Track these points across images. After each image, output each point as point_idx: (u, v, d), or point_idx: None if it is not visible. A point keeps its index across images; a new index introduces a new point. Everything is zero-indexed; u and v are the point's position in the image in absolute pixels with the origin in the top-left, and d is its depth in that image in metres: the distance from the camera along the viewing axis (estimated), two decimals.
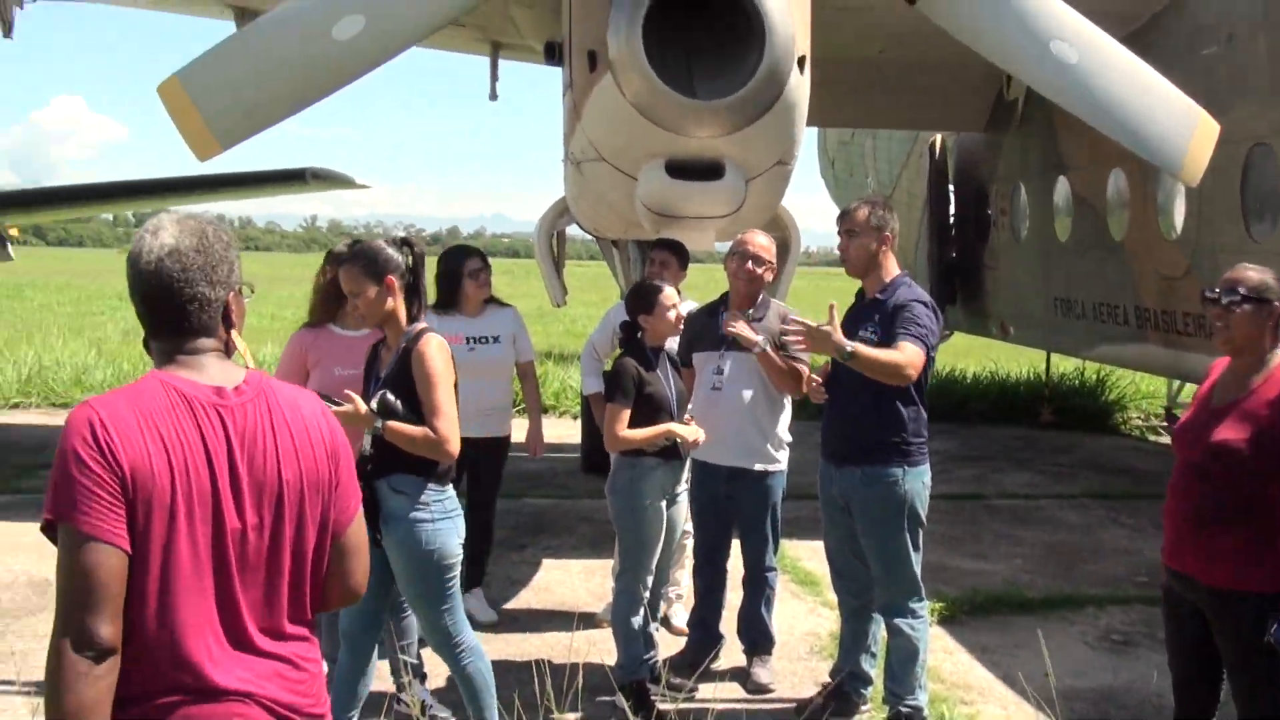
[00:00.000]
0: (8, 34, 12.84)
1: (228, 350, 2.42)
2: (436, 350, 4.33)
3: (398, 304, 4.42)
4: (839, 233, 5.25)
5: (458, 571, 4.54)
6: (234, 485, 2.28)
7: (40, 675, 5.51)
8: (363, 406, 4.23)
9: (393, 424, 4.23)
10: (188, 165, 11.83)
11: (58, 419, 13.73)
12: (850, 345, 4.83)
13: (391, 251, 4.45)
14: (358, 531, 2.53)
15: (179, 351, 2.35)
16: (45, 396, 14.88)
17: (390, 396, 4.27)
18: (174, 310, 2.34)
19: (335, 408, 3.93)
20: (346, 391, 4.32)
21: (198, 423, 2.26)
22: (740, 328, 5.49)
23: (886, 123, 14.02)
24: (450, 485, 4.49)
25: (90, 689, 2.10)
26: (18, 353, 16.86)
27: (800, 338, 5.04)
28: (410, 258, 4.49)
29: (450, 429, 4.28)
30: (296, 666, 2.38)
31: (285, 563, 2.36)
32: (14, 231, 15.47)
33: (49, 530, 2.17)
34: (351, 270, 4.40)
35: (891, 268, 5.22)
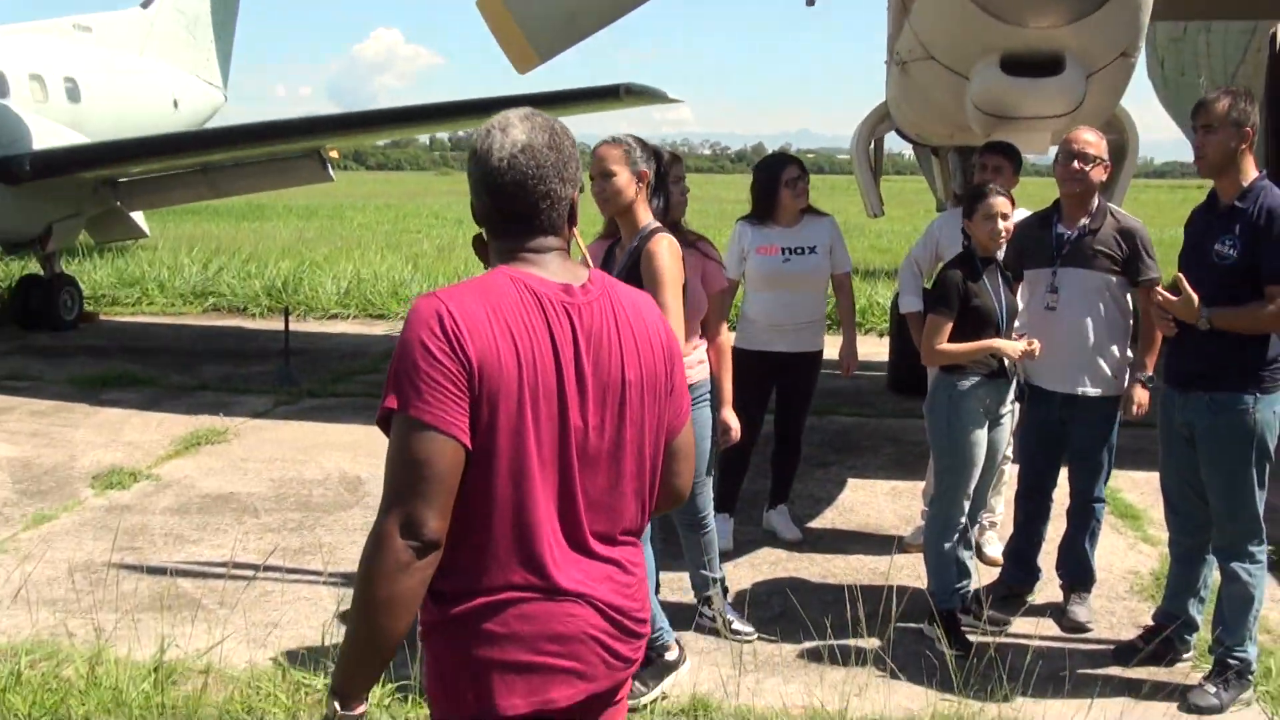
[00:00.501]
0: None
1: (568, 249, 2.36)
2: (666, 249, 4.27)
3: (640, 199, 4.40)
4: (1194, 128, 4.68)
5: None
6: (580, 384, 2.20)
7: (347, 568, 5.86)
8: None
9: None
10: (499, 91, 12.13)
11: (374, 328, 14.52)
12: (1206, 314, 4.44)
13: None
14: (687, 435, 2.47)
15: (524, 249, 2.28)
16: (362, 308, 15.78)
17: None
18: (527, 207, 2.27)
19: None
20: None
21: (546, 319, 2.18)
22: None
23: (1235, 11, 12.69)
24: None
25: (407, 580, 2.07)
26: (337, 268, 17.88)
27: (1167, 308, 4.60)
28: (659, 165, 4.53)
29: (678, 328, 4.21)
30: (625, 570, 2.31)
31: (626, 464, 2.29)
32: (334, 154, 16.27)
33: (384, 423, 2.13)
34: (613, 152, 4.37)
35: (1250, 170, 4.63)
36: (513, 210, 2.27)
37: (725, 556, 5.48)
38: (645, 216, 4.41)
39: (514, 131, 2.26)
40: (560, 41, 6.57)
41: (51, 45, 19.36)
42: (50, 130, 14.65)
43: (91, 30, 20.92)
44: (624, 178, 4.34)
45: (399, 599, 2.07)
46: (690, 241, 4.91)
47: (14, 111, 14.31)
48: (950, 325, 5.00)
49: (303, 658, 4.70)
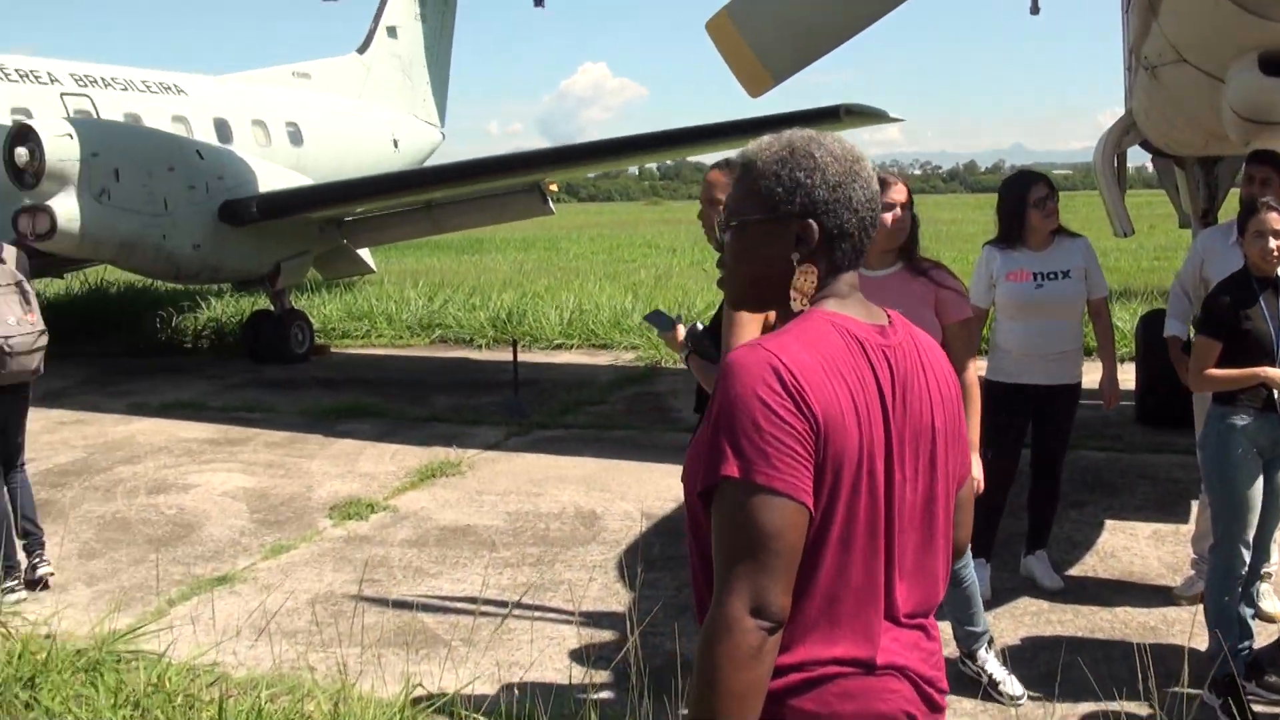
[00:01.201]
0: (539, 2, 13.59)
1: None
2: None
3: None
4: None
5: None
6: (900, 435, 1.99)
7: (589, 607, 5.75)
8: (682, 333, 4.14)
9: (694, 357, 4.09)
10: (699, 121, 12.01)
11: (598, 358, 14.53)
12: None
13: None
14: (969, 482, 2.27)
15: (836, 286, 2.06)
16: (585, 338, 15.84)
17: (699, 327, 4.17)
18: (862, 234, 2.07)
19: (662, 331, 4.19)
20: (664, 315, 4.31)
21: (871, 366, 1.97)
22: None
23: None
24: None
25: (760, 666, 1.84)
26: (558, 298, 18.07)
27: None
28: None
29: None
30: (929, 636, 2.09)
31: (938, 521, 2.07)
32: (553, 187, 16.47)
33: (709, 493, 1.92)
34: (723, 178, 4.17)
35: None
36: (851, 238, 2.05)
37: (985, 605, 5.12)
38: None
39: (836, 147, 2.06)
40: (795, 62, 6.35)
41: (273, 92, 20.36)
42: (275, 173, 15.31)
43: (310, 76, 21.90)
44: None
45: (754, 688, 1.84)
46: (923, 269, 4.61)
47: (239, 156, 15.01)
48: (1218, 349, 4.62)
49: (552, 702, 4.58)
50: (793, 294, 2.05)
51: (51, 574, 6.40)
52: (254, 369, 14.31)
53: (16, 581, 6.26)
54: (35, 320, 6.37)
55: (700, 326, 4.20)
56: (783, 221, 2.04)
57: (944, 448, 2.06)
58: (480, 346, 15.84)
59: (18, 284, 6.39)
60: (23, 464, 6.55)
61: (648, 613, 5.21)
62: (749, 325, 3.81)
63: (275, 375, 13.75)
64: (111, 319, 16.91)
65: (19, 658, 5.01)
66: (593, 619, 5.70)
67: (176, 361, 15.21)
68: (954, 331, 4.57)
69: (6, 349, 6.13)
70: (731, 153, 2.25)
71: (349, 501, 8.01)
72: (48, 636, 5.35)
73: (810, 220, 2.02)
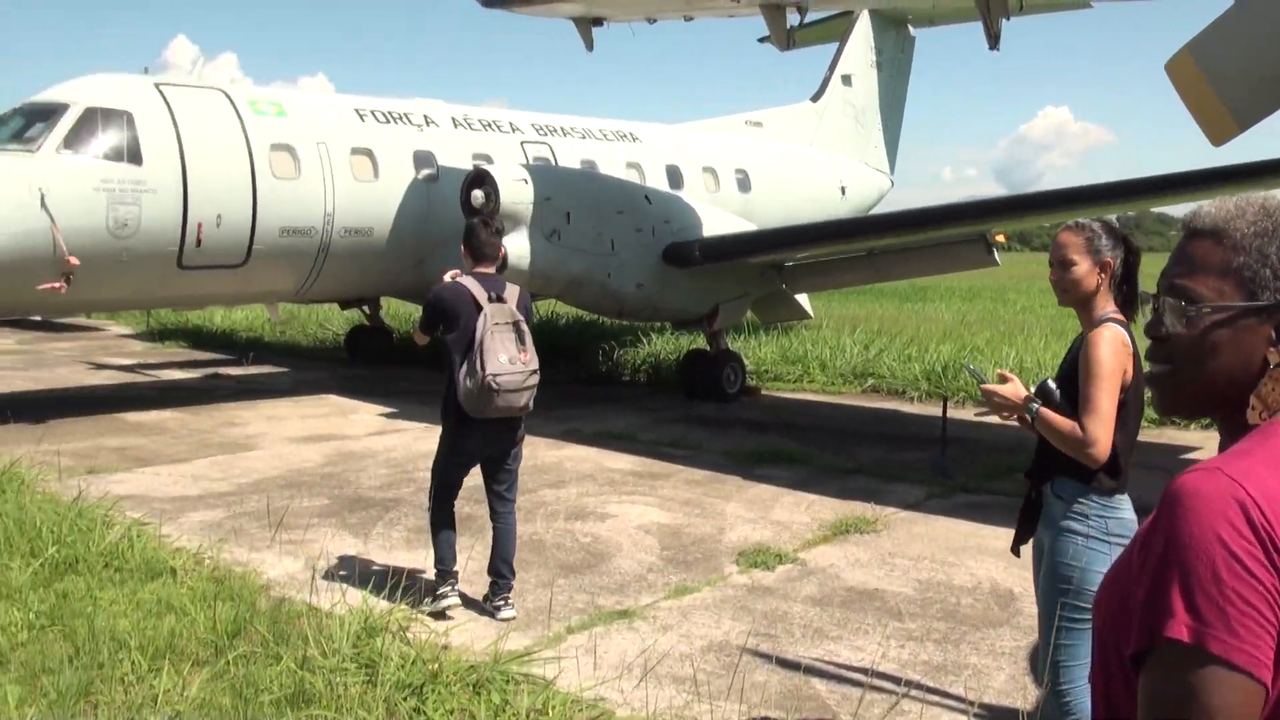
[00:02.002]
0: (994, 46, 13.00)
1: None
2: (1108, 341, 3.95)
3: (1103, 291, 4.10)
4: None
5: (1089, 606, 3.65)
6: None
7: (991, 698, 5.17)
8: (1021, 388, 4.05)
9: (1044, 410, 3.97)
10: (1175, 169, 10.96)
11: None
12: None
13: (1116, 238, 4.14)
14: None
15: None
16: None
17: (1051, 383, 4.07)
18: None
19: (985, 384, 4.08)
20: (1003, 370, 4.19)
21: None
22: None
23: None
24: (1124, 501, 4.05)
25: None
26: (999, 353, 17.21)
27: None
28: (1128, 254, 4.14)
29: (1099, 429, 3.86)
30: None
31: None
32: (1000, 238, 15.71)
33: (1141, 657, 1.53)
34: (1074, 239, 4.11)
35: None
36: None
37: None
38: (1103, 308, 4.10)
39: None
40: (1262, 107, 5.62)
41: (724, 140, 20.87)
42: (721, 218, 15.58)
43: (762, 125, 22.25)
44: (1084, 267, 4.09)
45: None
46: None
47: (686, 201, 15.41)
48: None
49: None
50: (1253, 402, 1.62)
51: (514, 618, 6.45)
52: (686, 405, 14.57)
53: (451, 586, 6.51)
54: (529, 360, 6.52)
55: (1051, 383, 4.04)
56: (1266, 312, 1.62)
57: None
58: (912, 399, 15.31)
59: (515, 323, 6.56)
60: (512, 499, 6.74)
61: None
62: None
63: (705, 413, 13.92)
64: (558, 349, 17.83)
65: (412, 664, 5.18)
66: (992, 715, 5.17)
67: (614, 392, 15.79)
68: None
69: (494, 386, 6.30)
70: (1193, 206, 1.78)
71: (758, 549, 7.84)
72: (444, 647, 5.51)
73: None
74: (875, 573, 7.43)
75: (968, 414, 13.71)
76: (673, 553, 7.83)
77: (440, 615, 6.42)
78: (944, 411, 11.31)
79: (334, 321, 22.36)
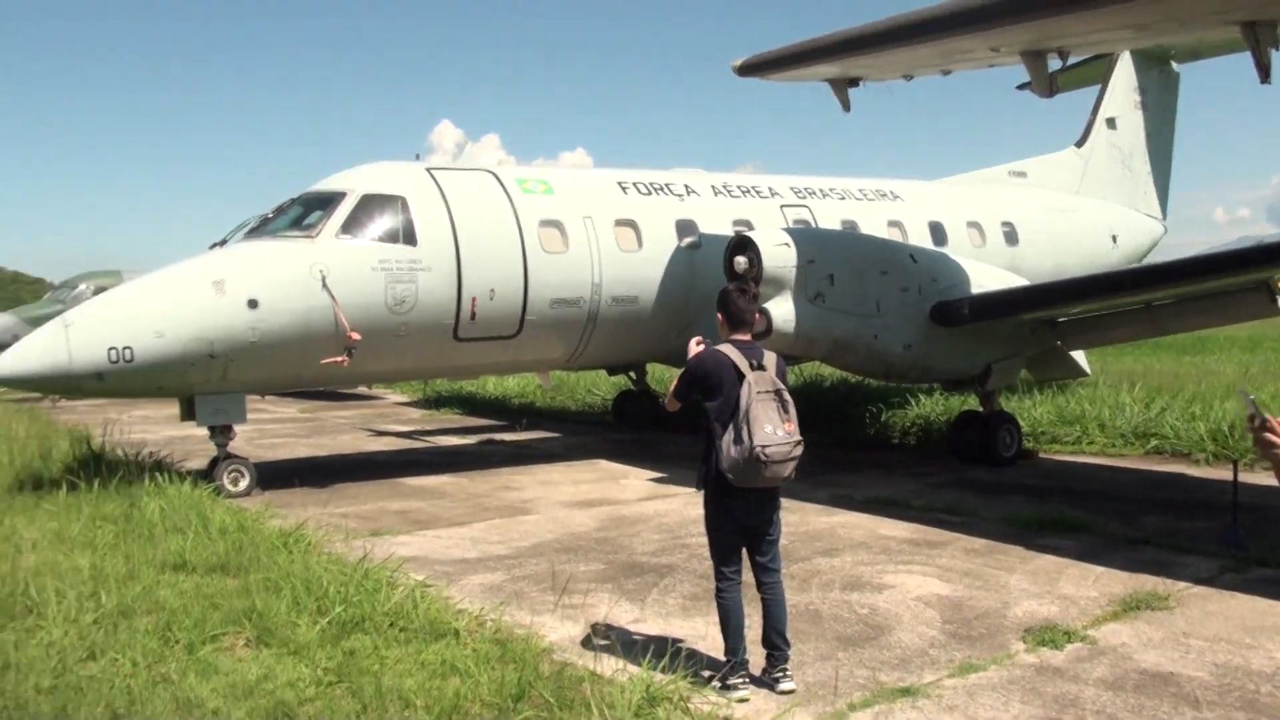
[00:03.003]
0: (1265, 79, 12.23)
1: None
2: None
3: None
4: None
5: None
6: None
7: None
8: None
9: None
10: None
11: None
12: None
13: None
14: None
15: None
16: None
17: None
18: None
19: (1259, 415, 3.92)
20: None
21: None
22: None
23: None
24: None
25: None
26: None
27: None
28: None
29: None
30: None
31: None
32: None
33: None
34: None
35: None
36: None
37: None
38: None
39: None
40: None
41: (987, 193, 20.33)
42: (988, 274, 15.11)
43: (1026, 175, 21.58)
44: None
45: None
46: None
47: (952, 258, 14.99)
48: None
49: None
50: None
51: (793, 690, 6.37)
52: (958, 469, 14.13)
53: (743, 678, 6.36)
54: (793, 430, 6.38)
55: None
56: None
57: None
58: (1198, 462, 14.39)
59: (777, 391, 6.44)
60: (777, 569, 6.63)
61: None
62: None
63: (979, 478, 13.47)
64: (823, 411, 17.64)
65: None
66: None
67: (882, 457, 15.48)
68: None
69: (762, 458, 6.21)
70: None
71: (1045, 626, 7.47)
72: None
73: None
74: (1169, 654, 6.96)
75: (1259, 477, 12.84)
76: (955, 627, 7.56)
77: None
78: (1234, 476, 10.56)
79: (601, 387, 22.86)
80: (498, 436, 18.57)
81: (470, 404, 23.89)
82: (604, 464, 15.02)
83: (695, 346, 6.79)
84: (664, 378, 21.53)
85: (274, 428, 20.33)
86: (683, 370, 6.80)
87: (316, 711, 5.89)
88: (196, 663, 6.65)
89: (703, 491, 6.66)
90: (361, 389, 26.92)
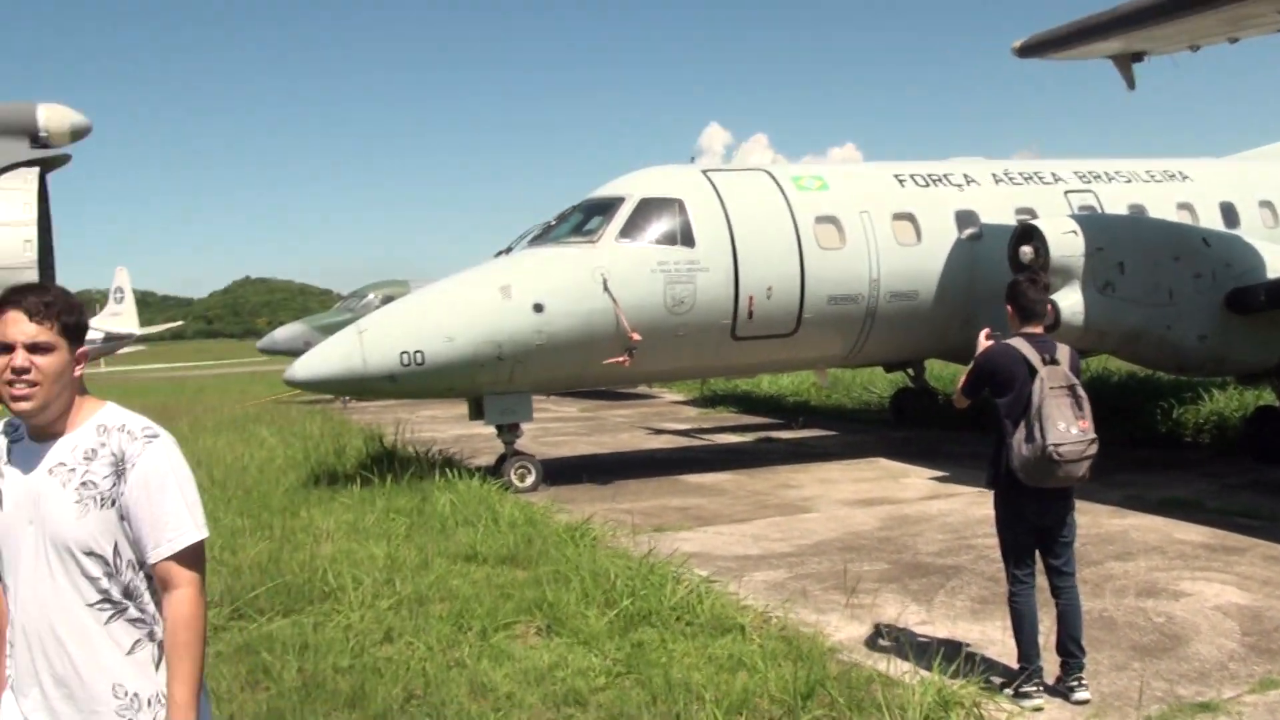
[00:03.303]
0: None
1: None
2: None
3: None
4: None
5: None
6: None
7: None
8: None
9: None
10: None
11: None
12: None
13: None
14: None
15: None
16: None
17: None
18: None
19: None
20: None
21: None
22: None
23: None
24: None
25: None
26: None
27: None
28: None
29: None
30: None
31: None
32: None
33: None
34: None
35: None
36: None
37: None
38: None
39: None
40: None
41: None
42: None
43: None
44: None
45: None
46: None
47: (1247, 241, 14.01)
48: None
49: None
50: None
51: (1088, 700, 6.14)
52: (1255, 470, 13.23)
53: (1037, 687, 6.18)
54: (1088, 428, 6.14)
55: None
56: None
57: None
58: None
59: (1071, 387, 6.21)
60: (1071, 573, 6.40)
61: None
62: None
63: (1279, 478, 12.60)
64: (1111, 407, 16.89)
65: None
66: None
67: (1174, 456, 14.68)
68: None
69: (1055, 456, 6.01)
70: None
71: None
72: None
73: None
74: None
75: None
76: (1255, 639, 7.12)
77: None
78: None
79: (878, 384, 22.60)
80: (774, 434, 18.65)
81: (745, 402, 24.06)
82: (883, 462, 14.86)
83: (985, 340, 6.61)
84: (942, 374, 21.11)
85: (556, 426, 21.08)
86: (971, 365, 6.63)
87: (608, 700, 6.10)
88: (489, 649, 7.01)
89: (993, 492, 6.51)
90: (639, 388, 27.52)
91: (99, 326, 50.48)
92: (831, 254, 14.33)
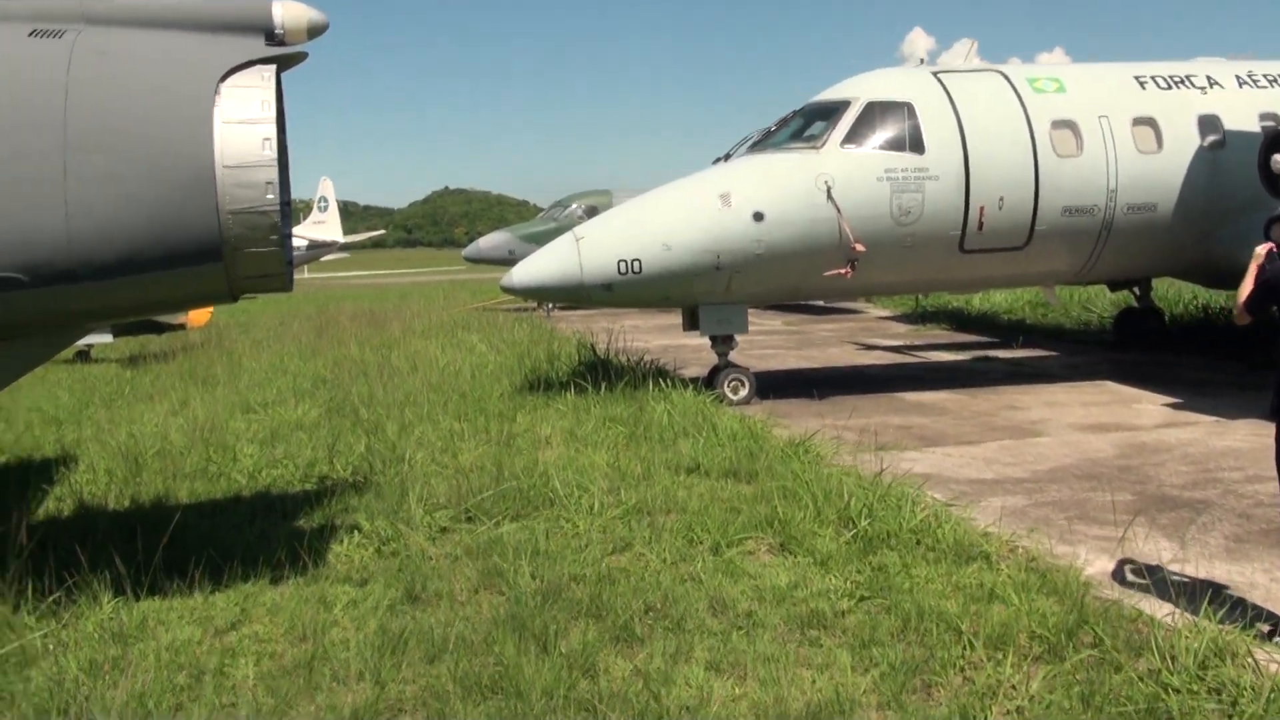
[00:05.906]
0: None
1: None
2: None
3: None
4: None
5: None
6: None
7: None
8: None
9: None
10: None
11: None
12: None
13: None
14: None
15: None
16: None
17: None
18: None
19: None
20: None
21: None
22: None
23: None
24: None
25: None
26: None
27: None
28: None
29: None
30: None
31: None
32: None
33: None
34: None
35: None
36: None
37: None
38: None
39: None
40: None
41: None
42: None
43: None
44: None
45: None
46: None
47: None
48: None
49: None
50: None
51: None
52: None
53: None
54: None
55: None
56: None
57: None
58: None
59: None
60: None
61: None
62: None
63: None
64: None
65: (1269, 700, 4.61)
66: None
67: None
68: None
69: None
70: None
71: None
72: None
73: None
74: None
75: None
76: None
77: None
78: None
79: (1096, 304, 21.52)
80: (991, 353, 17.93)
81: (957, 319, 23.27)
82: (1111, 385, 14.07)
83: (1259, 251, 6.02)
84: (1166, 295, 19.92)
85: (762, 339, 20.75)
86: (1256, 276, 6.03)
87: (854, 625, 5.84)
88: (723, 564, 6.84)
89: (1275, 424, 5.93)
90: (841, 303, 26.95)
91: (303, 234, 52.32)
92: (1068, 162, 13.50)
